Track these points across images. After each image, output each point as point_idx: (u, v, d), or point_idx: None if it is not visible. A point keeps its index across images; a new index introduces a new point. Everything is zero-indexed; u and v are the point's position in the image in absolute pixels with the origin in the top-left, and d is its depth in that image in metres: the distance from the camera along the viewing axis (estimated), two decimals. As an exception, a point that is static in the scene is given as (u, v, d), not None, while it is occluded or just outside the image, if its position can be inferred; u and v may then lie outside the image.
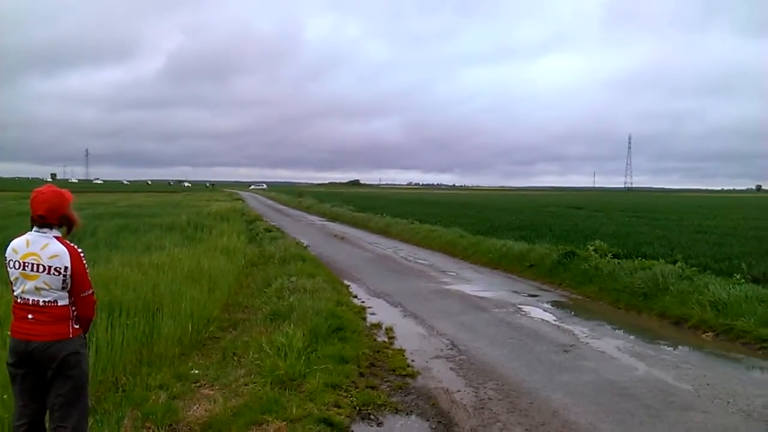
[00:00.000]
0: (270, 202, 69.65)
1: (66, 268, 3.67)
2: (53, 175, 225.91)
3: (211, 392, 5.85)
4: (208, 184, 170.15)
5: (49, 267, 3.64)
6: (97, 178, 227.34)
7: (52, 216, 3.72)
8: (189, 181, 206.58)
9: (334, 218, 36.96)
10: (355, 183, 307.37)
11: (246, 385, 5.97)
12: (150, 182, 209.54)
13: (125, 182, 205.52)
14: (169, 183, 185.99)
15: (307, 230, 27.61)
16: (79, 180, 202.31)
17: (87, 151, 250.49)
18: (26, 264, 3.66)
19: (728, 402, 5.94)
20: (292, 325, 7.52)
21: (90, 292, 3.84)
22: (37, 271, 3.64)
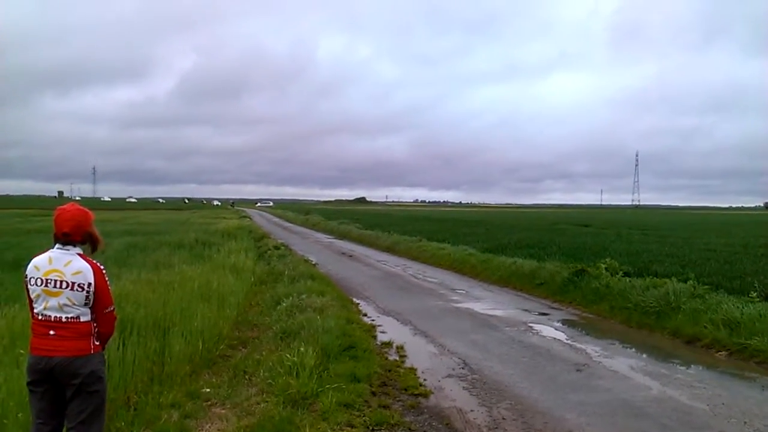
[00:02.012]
0: (277, 219, 69.78)
1: (90, 284, 3.70)
2: (60, 193, 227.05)
3: (223, 411, 5.83)
4: (231, 203, 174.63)
5: (73, 283, 3.67)
6: (131, 197, 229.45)
7: (77, 233, 3.76)
8: (218, 200, 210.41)
9: (341, 236, 36.97)
10: (362, 200, 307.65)
11: (258, 404, 5.95)
12: (187, 200, 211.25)
13: (161, 200, 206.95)
14: (203, 202, 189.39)
15: (315, 248, 27.62)
16: (111, 198, 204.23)
17: (94, 168, 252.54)
18: (49, 281, 3.68)
19: (744, 422, 5.87)
20: (303, 344, 7.48)
21: (112, 309, 3.89)
22: (61, 287, 3.67)
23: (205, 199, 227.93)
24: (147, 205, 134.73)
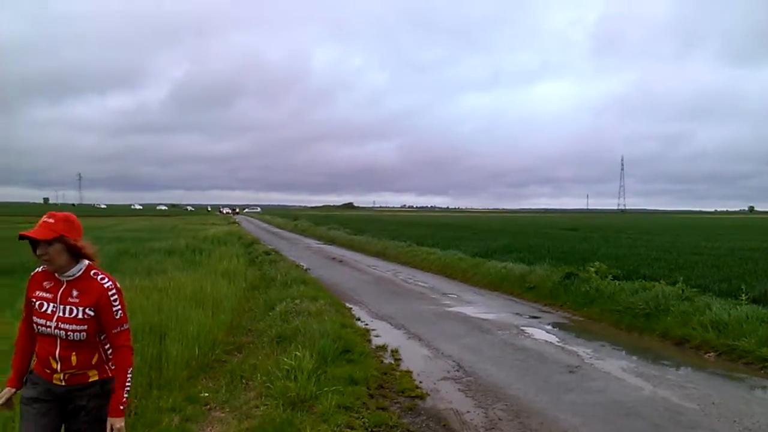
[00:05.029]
0: (265, 225, 69.65)
1: None
2: (46, 200, 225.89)
3: (223, 415, 5.89)
4: (237, 209, 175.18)
5: None
6: (161, 204, 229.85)
7: None
8: (229, 206, 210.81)
9: (330, 241, 37.01)
10: (349, 206, 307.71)
11: (257, 407, 6.00)
12: (210, 209, 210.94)
13: (189, 208, 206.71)
14: (217, 211, 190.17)
15: (305, 253, 27.64)
16: (142, 206, 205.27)
17: (79, 175, 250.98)
18: None
19: (734, 420, 6.00)
20: (300, 347, 7.55)
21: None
22: None
23: (221, 206, 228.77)
24: (174, 212, 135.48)
